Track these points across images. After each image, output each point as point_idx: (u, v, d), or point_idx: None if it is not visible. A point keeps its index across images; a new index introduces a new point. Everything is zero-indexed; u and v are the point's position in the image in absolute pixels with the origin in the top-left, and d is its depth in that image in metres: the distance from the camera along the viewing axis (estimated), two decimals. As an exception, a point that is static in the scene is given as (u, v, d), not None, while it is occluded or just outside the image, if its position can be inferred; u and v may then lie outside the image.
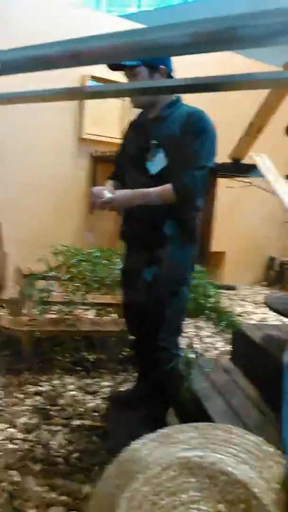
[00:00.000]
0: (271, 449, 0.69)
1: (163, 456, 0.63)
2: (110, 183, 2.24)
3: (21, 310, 3.44)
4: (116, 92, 0.81)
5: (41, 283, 3.25)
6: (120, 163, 2.25)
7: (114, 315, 3.50)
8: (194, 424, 0.74)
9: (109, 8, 11.20)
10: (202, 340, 4.03)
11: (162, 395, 2.14)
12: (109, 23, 5.55)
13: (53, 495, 1.84)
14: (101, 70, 4.44)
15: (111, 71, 2.01)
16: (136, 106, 2.06)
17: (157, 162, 1.95)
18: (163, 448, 0.67)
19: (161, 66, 1.97)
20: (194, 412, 2.09)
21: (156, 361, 2.05)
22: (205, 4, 9.16)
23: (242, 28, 0.45)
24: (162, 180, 1.94)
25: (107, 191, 1.97)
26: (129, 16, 9.12)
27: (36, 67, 0.73)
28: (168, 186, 1.95)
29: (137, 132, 2.13)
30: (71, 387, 2.84)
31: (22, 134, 4.78)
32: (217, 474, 0.57)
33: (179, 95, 2.07)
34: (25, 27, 4.78)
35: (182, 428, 0.72)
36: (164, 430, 0.71)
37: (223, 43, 0.45)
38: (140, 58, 1.71)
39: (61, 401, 2.66)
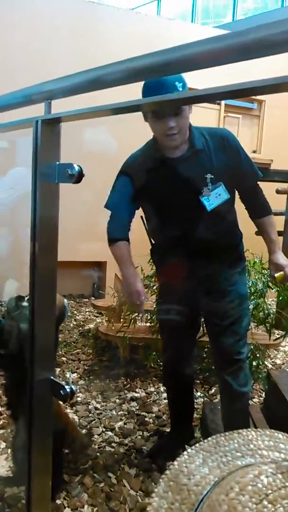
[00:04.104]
0: None
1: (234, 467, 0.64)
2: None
3: (119, 317, 3.55)
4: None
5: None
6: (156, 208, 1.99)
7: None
8: (237, 431, 0.73)
9: (204, 21, 11.26)
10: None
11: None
12: (205, 34, 5.59)
13: (147, 500, 1.87)
14: (191, 79, 4.49)
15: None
16: (178, 143, 1.79)
17: (216, 196, 1.84)
18: (214, 457, 0.66)
19: None
20: (285, 419, 2.08)
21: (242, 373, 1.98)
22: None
23: None
24: (220, 213, 1.86)
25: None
26: (224, 26, 9.11)
27: (140, 77, 0.78)
28: (271, 221, 2.02)
29: (169, 170, 1.86)
30: (165, 395, 2.85)
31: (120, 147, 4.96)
32: None
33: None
34: (122, 42, 5.00)
35: (230, 437, 0.71)
36: (213, 440, 0.70)
37: None
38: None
39: (155, 409, 2.69)
